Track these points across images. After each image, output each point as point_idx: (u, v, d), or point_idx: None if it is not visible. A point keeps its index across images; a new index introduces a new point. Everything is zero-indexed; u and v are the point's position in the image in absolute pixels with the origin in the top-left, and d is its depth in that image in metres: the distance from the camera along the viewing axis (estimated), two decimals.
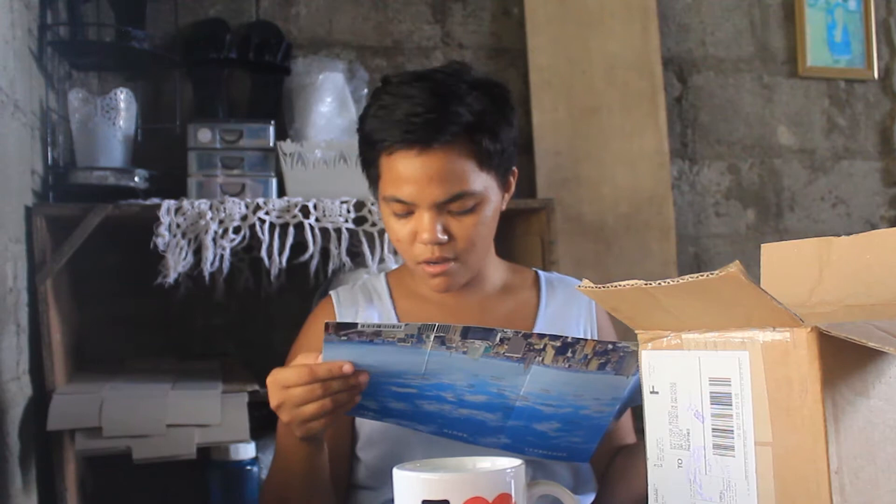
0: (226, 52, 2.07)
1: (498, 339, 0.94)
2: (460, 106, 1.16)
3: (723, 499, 0.72)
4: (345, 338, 0.93)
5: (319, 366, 0.96)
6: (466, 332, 0.93)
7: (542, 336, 0.94)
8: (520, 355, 0.95)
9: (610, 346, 0.94)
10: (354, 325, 0.92)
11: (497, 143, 1.19)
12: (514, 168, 1.28)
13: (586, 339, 0.94)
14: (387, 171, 1.19)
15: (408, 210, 1.19)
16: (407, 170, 1.16)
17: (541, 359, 0.95)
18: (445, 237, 1.19)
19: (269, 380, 1.00)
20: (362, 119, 1.23)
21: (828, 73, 2.62)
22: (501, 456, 0.88)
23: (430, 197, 1.17)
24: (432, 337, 0.93)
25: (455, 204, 1.18)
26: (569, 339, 0.94)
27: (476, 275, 1.28)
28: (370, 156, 1.22)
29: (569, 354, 0.95)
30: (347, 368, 0.95)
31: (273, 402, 1.00)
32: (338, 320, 1.26)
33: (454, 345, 0.94)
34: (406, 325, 0.92)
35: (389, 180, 1.19)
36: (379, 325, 0.92)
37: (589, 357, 0.95)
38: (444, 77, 1.20)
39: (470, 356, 0.95)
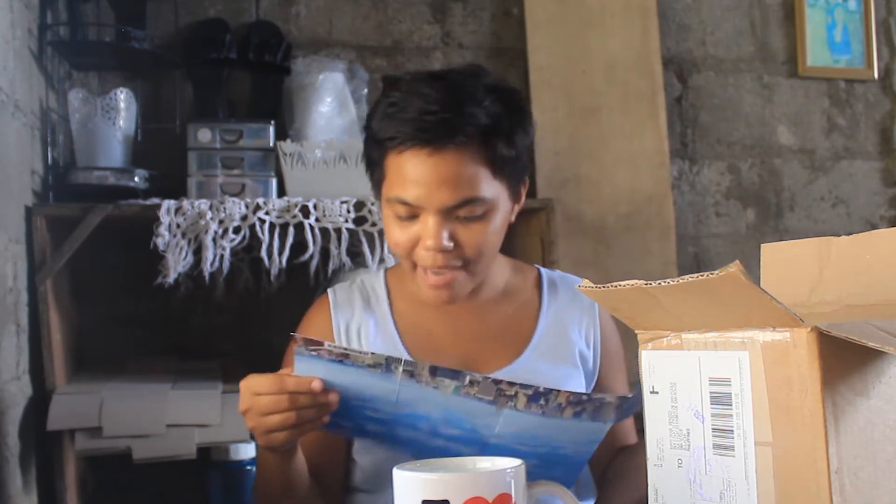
0: (226, 52, 2.07)
1: (467, 381, 0.93)
2: (477, 107, 1.11)
3: (723, 499, 0.72)
4: (314, 353, 0.93)
5: (289, 378, 0.95)
6: (435, 371, 0.93)
7: (512, 384, 0.93)
8: (491, 398, 0.94)
9: (585, 398, 0.93)
10: (321, 343, 0.92)
11: (512, 150, 1.14)
12: (527, 179, 1.23)
13: (559, 390, 0.92)
14: (394, 170, 1.14)
15: (412, 213, 1.14)
16: (416, 170, 1.11)
17: (513, 404, 0.94)
18: (451, 244, 1.13)
19: (242, 384, 0.99)
20: (370, 116, 1.18)
21: (828, 73, 2.61)
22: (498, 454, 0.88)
23: (438, 201, 1.11)
24: (400, 370, 0.93)
25: (464, 210, 1.12)
26: (541, 389, 0.93)
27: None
28: (376, 155, 1.17)
29: (542, 402, 0.93)
30: (316, 385, 0.94)
31: (241, 407, 0.99)
32: (332, 320, 1.25)
33: (423, 380, 0.93)
34: (373, 353, 0.92)
35: (396, 181, 1.13)
36: (346, 348, 0.93)
37: (563, 406, 0.93)
38: (461, 77, 1.15)
39: (441, 392, 0.94)
